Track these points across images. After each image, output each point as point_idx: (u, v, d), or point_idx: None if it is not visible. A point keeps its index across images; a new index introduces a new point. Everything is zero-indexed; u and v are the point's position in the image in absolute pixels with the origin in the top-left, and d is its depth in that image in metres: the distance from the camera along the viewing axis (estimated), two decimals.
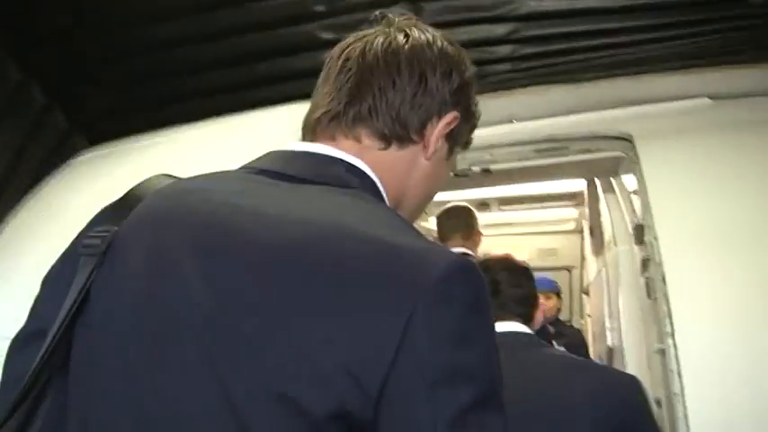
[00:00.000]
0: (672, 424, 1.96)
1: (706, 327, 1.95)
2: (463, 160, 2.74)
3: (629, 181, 2.63)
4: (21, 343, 0.91)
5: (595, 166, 2.72)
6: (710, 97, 2.53)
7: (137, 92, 2.79)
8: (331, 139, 0.93)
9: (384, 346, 0.66)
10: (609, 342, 3.04)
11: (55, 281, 0.92)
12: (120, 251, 0.86)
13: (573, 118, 2.68)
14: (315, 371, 0.66)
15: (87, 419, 0.81)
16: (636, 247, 2.52)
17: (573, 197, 4.51)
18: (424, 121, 0.93)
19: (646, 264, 2.37)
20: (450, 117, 0.95)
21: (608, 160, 2.66)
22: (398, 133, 0.92)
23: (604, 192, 3.04)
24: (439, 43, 0.96)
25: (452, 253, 0.74)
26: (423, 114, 0.93)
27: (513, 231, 5.41)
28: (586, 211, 3.93)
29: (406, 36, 0.95)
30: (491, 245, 5.78)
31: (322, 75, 0.98)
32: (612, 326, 3.01)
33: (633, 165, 2.45)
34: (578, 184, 4.06)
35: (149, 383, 0.76)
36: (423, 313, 0.66)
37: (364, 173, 0.91)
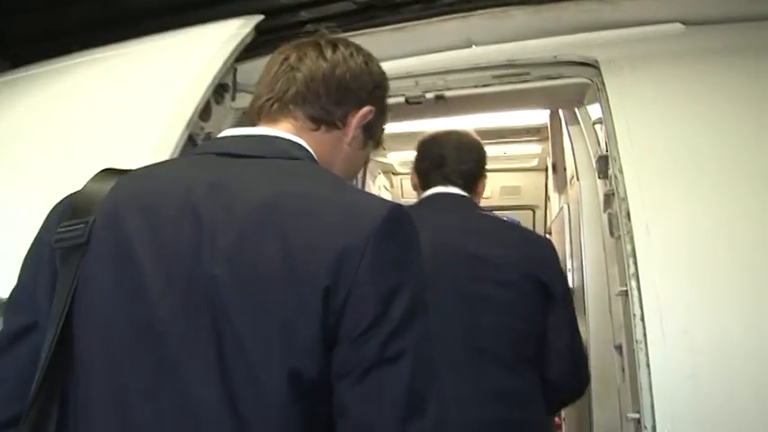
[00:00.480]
0: (633, 371, 1.82)
1: (672, 268, 1.79)
2: (416, 87, 2.53)
3: (595, 111, 2.43)
4: (8, 341, 0.99)
5: (558, 95, 2.52)
6: (683, 23, 2.36)
7: (61, 15, 2.73)
8: (273, 122, 1.15)
9: (349, 270, 0.88)
10: (570, 283, 2.90)
11: (30, 280, 1.00)
12: (102, 242, 0.96)
13: (535, 42, 2.48)
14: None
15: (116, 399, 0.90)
16: (599, 182, 2.34)
17: (536, 132, 4.30)
18: (345, 111, 1.18)
19: (609, 199, 2.19)
20: (366, 110, 1.20)
21: (572, 88, 2.45)
22: (325, 118, 1.16)
23: (568, 124, 2.84)
24: (360, 57, 1.22)
25: (388, 202, 0.98)
26: (344, 106, 1.18)
27: None
28: (550, 147, 3.74)
29: (335, 48, 1.19)
30: None
31: (263, 72, 1.20)
32: (574, 266, 2.86)
33: (598, 92, 2.26)
34: (541, 118, 3.87)
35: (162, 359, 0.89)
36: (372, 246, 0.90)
37: (304, 147, 1.12)
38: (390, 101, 2.46)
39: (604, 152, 2.21)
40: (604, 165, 2.21)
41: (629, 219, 1.93)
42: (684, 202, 1.89)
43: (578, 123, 2.66)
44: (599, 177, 2.31)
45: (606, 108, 2.19)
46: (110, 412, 0.89)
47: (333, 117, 1.16)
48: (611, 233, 2.11)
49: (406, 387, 0.86)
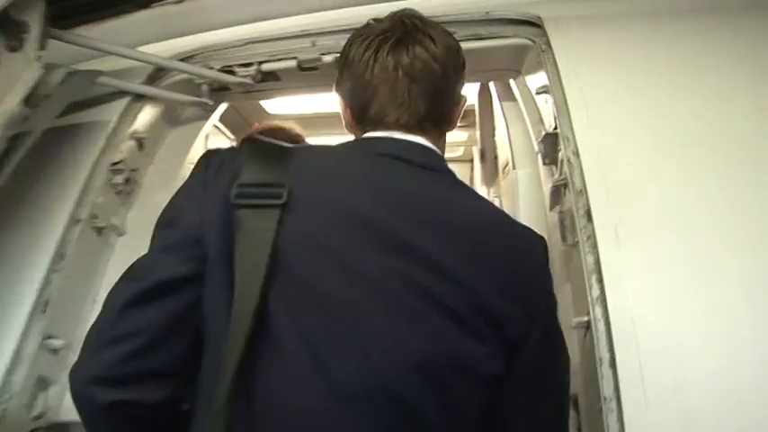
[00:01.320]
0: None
1: (655, 289, 1.28)
2: (312, 48, 1.97)
3: (536, 81, 1.91)
4: (150, 292, 0.94)
5: (491, 62, 1.99)
6: None
7: None
8: (419, 132, 1.13)
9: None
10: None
11: (196, 230, 0.96)
12: (305, 208, 0.97)
13: None
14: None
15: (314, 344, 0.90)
16: (544, 170, 1.83)
17: (462, 116, 3.80)
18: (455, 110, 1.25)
19: (559, 192, 1.68)
20: (462, 100, 1.27)
21: (508, 52, 1.94)
22: (448, 128, 1.23)
23: (501, 100, 2.32)
24: (453, 43, 1.19)
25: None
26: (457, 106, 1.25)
27: None
28: (477, 134, 3.22)
29: (432, 41, 1.13)
30: None
31: (382, 80, 1.12)
32: None
33: (543, 55, 1.74)
34: (467, 97, 3.37)
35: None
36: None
37: (442, 157, 1.16)
38: (279, 65, 1.84)
39: (552, 130, 1.70)
40: (552, 146, 1.70)
41: (590, 219, 1.42)
42: (667, 193, 1.39)
43: (514, 98, 2.13)
44: (544, 164, 1.79)
45: (554, 74, 1.67)
46: (303, 353, 0.89)
47: (452, 124, 1.25)
48: (564, 238, 1.59)
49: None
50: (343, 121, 1.22)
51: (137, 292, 0.95)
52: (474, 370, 0.94)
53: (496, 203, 2.47)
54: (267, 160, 1.02)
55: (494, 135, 2.98)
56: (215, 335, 0.94)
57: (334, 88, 1.22)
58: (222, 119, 2.73)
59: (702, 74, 1.61)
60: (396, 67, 1.11)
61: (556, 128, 1.63)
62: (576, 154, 1.50)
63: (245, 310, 0.88)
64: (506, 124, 2.27)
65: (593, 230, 1.40)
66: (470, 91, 3.37)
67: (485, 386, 0.95)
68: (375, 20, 1.19)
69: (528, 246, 1.07)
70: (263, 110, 3.47)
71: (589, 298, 1.33)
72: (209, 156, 1.07)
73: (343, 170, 1.06)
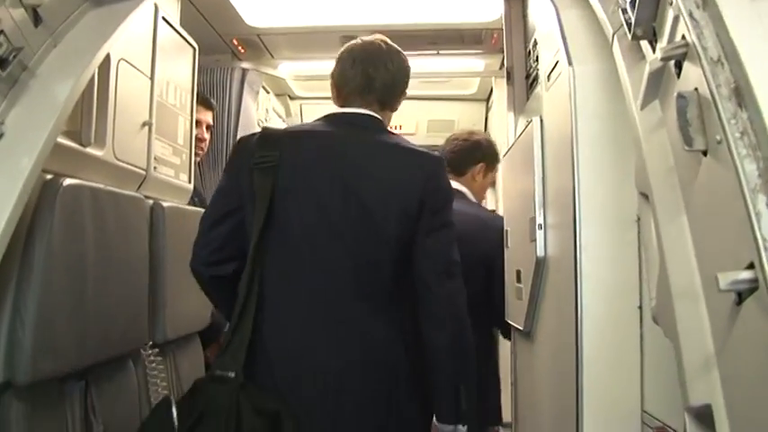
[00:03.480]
0: None
1: None
2: None
3: None
4: (220, 217, 1.69)
5: None
6: None
7: None
8: (364, 105, 1.76)
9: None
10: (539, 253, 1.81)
11: (234, 182, 1.69)
12: (288, 168, 1.66)
13: None
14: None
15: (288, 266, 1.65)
16: (627, 52, 1.20)
17: (478, 38, 3.13)
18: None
19: (662, 75, 1.05)
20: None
21: None
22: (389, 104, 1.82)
23: None
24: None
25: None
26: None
27: None
28: (504, 45, 2.57)
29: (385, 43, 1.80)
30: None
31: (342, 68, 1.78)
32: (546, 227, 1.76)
33: None
34: (488, 13, 2.72)
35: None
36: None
37: (379, 119, 1.77)
38: None
39: None
40: (650, 6, 1.07)
41: (742, 101, 0.81)
42: None
43: None
44: (634, 38, 1.15)
45: None
46: (297, 260, 1.64)
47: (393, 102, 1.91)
48: (687, 141, 0.95)
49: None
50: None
51: (211, 220, 1.71)
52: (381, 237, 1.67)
53: (536, 123, 1.84)
54: (268, 140, 1.71)
55: (525, 47, 2.36)
56: (251, 234, 1.64)
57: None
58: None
59: None
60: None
61: None
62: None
63: (258, 217, 1.62)
64: (556, 11, 1.64)
65: (749, 120, 0.79)
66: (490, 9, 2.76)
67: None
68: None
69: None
70: (241, 20, 2.84)
71: (755, 233, 0.72)
72: (240, 141, 1.80)
73: (312, 135, 1.76)
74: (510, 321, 2.28)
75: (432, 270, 1.65)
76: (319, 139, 1.72)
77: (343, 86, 1.78)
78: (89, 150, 1.62)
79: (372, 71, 1.74)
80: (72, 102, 1.43)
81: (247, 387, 1.52)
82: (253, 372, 1.56)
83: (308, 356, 1.59)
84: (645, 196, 1.14)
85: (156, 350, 1.90)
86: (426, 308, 1.66)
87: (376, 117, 1.76)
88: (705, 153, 0.91)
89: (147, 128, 1.91)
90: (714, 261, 0.86)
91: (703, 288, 0.90)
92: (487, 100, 4.03)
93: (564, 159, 1.59)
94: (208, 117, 2.73)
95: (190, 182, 2.27)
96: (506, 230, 2.32)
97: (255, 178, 1.63)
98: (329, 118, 1.79)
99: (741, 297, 0.80)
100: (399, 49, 1.81)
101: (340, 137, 1.72)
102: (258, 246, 1.61)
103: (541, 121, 1.83)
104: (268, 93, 3.62)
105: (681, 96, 0.93)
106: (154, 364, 1.87)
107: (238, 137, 3.00)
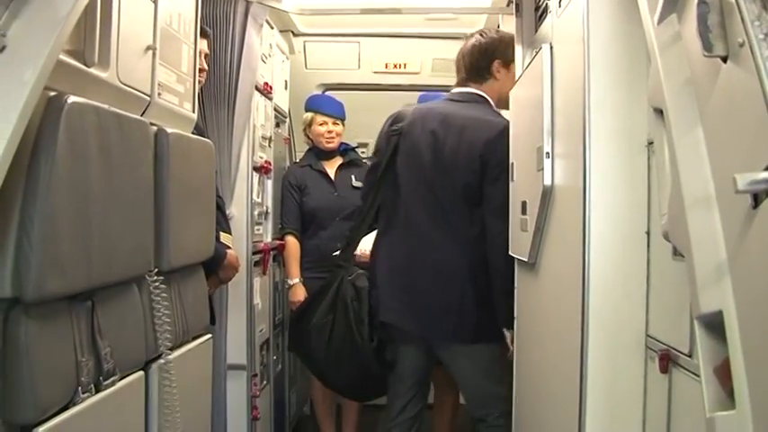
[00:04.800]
0: None
1: None
2: None
3: None
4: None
5: None
6: None
7: None
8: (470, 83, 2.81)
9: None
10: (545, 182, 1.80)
11: (384, 145, 2.85)
12: (407, 135, 2.76)
13: None
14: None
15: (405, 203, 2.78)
16: None
17: None
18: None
19: None
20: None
21: None
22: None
23: None
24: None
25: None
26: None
27: (396, 32, 3.99)
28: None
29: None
30: (367, 55, 4.42)
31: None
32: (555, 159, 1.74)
33: None
34: None
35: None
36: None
37: (482, 96, 2.75)
38: None
39: None
40: None
41: (767, 6, 0.79)
42: None
43: None
44: None
45: None
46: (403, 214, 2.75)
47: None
48: (707, 47, 0.92)
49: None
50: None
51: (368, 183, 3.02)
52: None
53: (545, 51, 1.81)
54: (397, 116, 2.86)
55: None
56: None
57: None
58: None
59: None
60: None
61: None
62: None
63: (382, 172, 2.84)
64: None
65: None
66: None
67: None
68: None
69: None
70: None
71: None
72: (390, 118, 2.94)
73: (428, 110, 2.83)
74: (513, 254, 2.28)
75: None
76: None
77: None
78: (93, 71, 1.59)
79: None
80: (75, 15, 1.40)
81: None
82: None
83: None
84: (658, 112, 1.13)
85: (161, 277, 1.90)
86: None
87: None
88: (725, 60, 0.89)
89: (150, 53, 1.88)
90: (730, 167, 0.85)
91: (717, 195, 0.89)
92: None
93: (574, 86, 1.57)
94: (203, 45, 2.68)
95: (194, 111, 2.25)
96: (512, 163, 2.31)
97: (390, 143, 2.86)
98: None
99: (757, 200, 0.79)
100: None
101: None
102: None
103: (551, 48, 1.80)
104: (272, 28, 3.56)
105: (702, 2, 0.91)
106: (158, 290, 1.87)
107: (241, 71, 2.97)
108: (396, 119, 2.82)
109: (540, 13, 2.25)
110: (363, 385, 2.95)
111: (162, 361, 1.90)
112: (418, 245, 2.70)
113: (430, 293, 2.66)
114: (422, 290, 2.68)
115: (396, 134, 2.76)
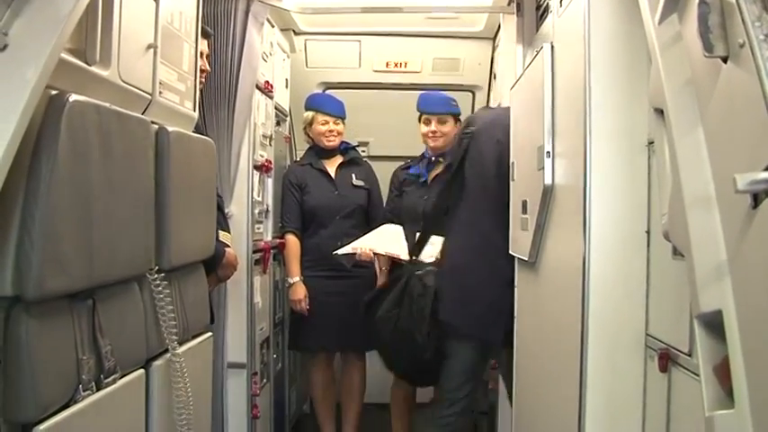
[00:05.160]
0: None
1: None
2: None
3: None
4: None
5: None
6: None
7: None
8: None
9: None
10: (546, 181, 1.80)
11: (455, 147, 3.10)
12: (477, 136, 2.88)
13: None
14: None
15: None
16: None
17: None
18: None
19: None
20: None
21: None
22: None
23: None
24: None
25: None
26: None
27: (397, 30, 3.99)
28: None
29: None
30: (368, 54, 4.43)
31: None
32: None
33: None
34: None
35: None
36: None
37: None
38: None
39: None
40: None
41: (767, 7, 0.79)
42: None
43: None
44: None
45: None
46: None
47: None
48: (707, 47, 0.93)
49: None
50: None
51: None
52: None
53: (546, 50, 1.81)
54: (470, 120, 3.09)
55: None
56: None
57: None
58: None
59: None
60: None
61: None
62: None
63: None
64: None
65: None
66: None
67: None
68: None
69: None
70: None
71: None
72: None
73: (496, 115, 2.95)
74: (514, 253, 2.29)
75: None
76: None
77: None
78: (94, 69, 1.60)
79: None
80: (77, 14, 1.40)
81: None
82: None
83: None
84: (659, 112, 1.13)
85: (162, 275, 1.90)
86: None
87: None
88: (725, 60, 0.89)
89: (152, 51, 1.88)
90: (730, 167, 0.85)
91: (717, 196, 0.90)
92: (494, 38, 3.97)
93: (575, 85, 1.57)
94: (204, 46, 2.68)
95: (195, 110, 2.25)
96: (512, 162, 2.31)
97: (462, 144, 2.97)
98: None
99: (757, 201, 0.80)
100: None
101: None
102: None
103: (552, 47, 1.80)
104: (273, 27, 3.56)
105: (703, 2, 0.91)
106: (160, 288, 1.88)
107: (242, 69, 2.97)
108: (468, 122, 3.01)
109: (541, 13, 2.26)
110: (419, 370, 3.11)
111: (169, 355, 1.91)
112: (478, 248, 2.82)
113: (486, 296, 2.76)
114: (479, 292, 2.79)
115: (467, 137, 2.88)
